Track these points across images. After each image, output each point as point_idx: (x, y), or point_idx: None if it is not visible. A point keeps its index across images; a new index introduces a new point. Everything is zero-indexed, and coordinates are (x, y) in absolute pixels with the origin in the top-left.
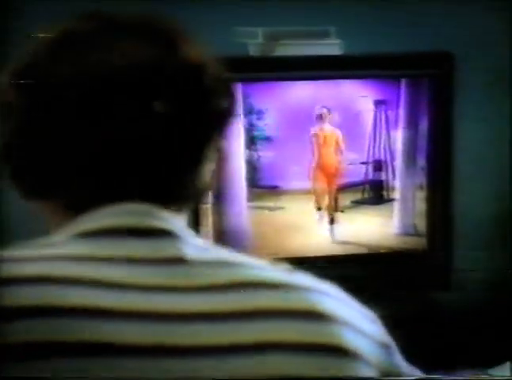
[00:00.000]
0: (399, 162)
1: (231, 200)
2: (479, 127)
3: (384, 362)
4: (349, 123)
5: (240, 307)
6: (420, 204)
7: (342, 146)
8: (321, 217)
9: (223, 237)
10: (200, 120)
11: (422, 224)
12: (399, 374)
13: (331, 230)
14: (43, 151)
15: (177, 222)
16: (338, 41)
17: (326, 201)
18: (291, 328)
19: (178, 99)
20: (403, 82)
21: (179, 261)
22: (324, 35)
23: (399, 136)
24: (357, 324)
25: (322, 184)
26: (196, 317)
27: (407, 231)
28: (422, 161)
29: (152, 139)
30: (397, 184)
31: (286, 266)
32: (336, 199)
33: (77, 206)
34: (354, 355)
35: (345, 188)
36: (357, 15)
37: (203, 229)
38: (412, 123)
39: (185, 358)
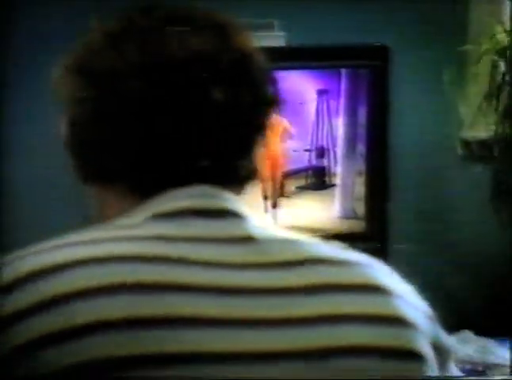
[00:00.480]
0: (340, 149)
1: None
2: (415, 116)
3: (432, 333)
4: (294, 112)
5: (308, 282)
6: (359, 189)
7: (290, 134)
8: (266, 204)
9: None
10: (253, 106)
11: (361, 208)
12: (444, 346)
13: (275, 215)
14: (110, 137)
15: (239, 203)
16: (281, 33)
17: (271, 187)
18: (354, 300)
19: (233, 86)
20: (343, 73)
21: (248, 240)
22: (268, 27)
23: (340, 124)
24: (408, 296)
25: (267, 171)
26: (269, 292)
27: (348, 215)
28: (361, 148)
29: (212, 125)
30: (338, 170)
31: (338, 243)
32: (282, 185)
33: (143, 189)
34: (412, 325)
35: (289, 175)
36: (301, 8)
37: None
38: (352, 112)
39: (261, 329)
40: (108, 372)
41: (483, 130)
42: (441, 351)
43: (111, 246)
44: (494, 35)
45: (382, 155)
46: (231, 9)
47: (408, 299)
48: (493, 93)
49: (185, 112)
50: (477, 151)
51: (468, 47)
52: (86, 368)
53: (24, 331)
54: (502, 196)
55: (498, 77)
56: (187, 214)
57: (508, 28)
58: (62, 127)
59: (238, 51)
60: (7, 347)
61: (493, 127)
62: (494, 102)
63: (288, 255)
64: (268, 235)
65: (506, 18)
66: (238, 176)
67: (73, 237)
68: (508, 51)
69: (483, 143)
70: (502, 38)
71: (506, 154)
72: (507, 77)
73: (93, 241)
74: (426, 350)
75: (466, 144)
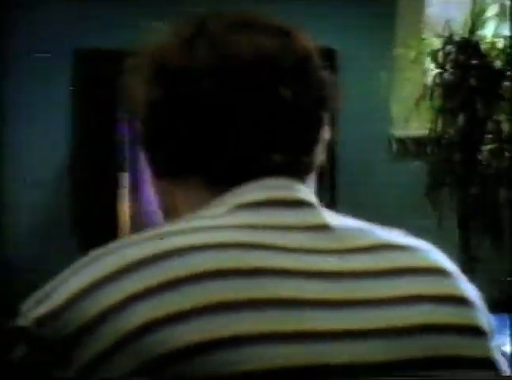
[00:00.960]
0: None
1: (145, 184)
2: (356, 115)
3: (485, 310)
4: None
5: (382, 266)
6: None
7: None
8: None
9: (138, 216)
10: (315, 103)
11: None
12: (492, 325)
13: None
14: (187, 134)
15: (309, 193)
16: None
17: None
18: (424, 282)
19: (298, 85)
20: None
21: (324, 228)
22: None
23: None
24: (464, 278)
25: None
26: (347, 275)
27: None
28: None
29: (281, 121)
30: None
31: (398, 230)
32: None
33: (219, 183)
34: (474, 304)
35: None
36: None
37: (120, 210)
38: None
39: (343, 310)
40: (207, 353)
41: (416, 128)
42: (490, 330)
43: (206, 235)
44: (424, 39)
45: (328, 152)
46: (159, 12)
47: (464, 280)
48: (426, 94)
49: (257, 108)
50: (411, 148)
51: (400, 50)
52: (194, 348)
53: (134, 315)
54: (438, 191)
55: (430, 79)
56: (267, 205)
57: (439, 32)
58: (136, 126)
59: (301, 52)
60: (118, 333)
61: (426, 126)
62: (427, 103)
63: (361, 241)
64: (340, 223)
65: (432, 22)
66: (302, 169)
67: (168, 228)
68: (439, 54)
69: (416, 141)
70: (431, 42)
71: (439, 151)
72: (437, 80)
73: (191, 230)
74: (487, 327)
75: (400, 141)
